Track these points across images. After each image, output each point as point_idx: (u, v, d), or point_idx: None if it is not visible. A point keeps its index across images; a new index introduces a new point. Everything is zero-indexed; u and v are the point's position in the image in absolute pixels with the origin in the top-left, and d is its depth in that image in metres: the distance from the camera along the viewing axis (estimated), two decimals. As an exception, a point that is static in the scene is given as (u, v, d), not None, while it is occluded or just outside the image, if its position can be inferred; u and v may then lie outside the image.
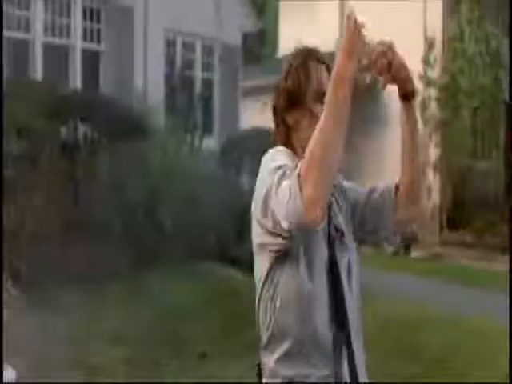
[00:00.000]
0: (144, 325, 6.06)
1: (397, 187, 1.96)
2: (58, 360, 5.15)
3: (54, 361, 5.14)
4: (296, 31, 15.58)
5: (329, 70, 1.91)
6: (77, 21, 9.12)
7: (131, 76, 9.58)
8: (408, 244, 11.67)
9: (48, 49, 8.86)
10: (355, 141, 13.92)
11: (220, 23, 11.04)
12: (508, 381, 4.71)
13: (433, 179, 12.81)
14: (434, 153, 12.93)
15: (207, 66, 11.20)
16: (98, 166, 7.38)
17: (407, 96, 1.85)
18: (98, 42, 9.49)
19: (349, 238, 1.91)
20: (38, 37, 8.74)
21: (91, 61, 9.37)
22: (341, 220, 1.90)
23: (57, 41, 9.01)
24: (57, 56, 9.00)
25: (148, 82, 9.81)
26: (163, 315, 6.25)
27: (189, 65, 10.87)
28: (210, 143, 10.27)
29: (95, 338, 5.88)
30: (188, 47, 10.85)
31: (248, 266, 7.13)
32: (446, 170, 12.65)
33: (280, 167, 1.70)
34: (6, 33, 8.31)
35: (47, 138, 6.78)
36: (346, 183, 2.02)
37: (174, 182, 7.79)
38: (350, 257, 1.88)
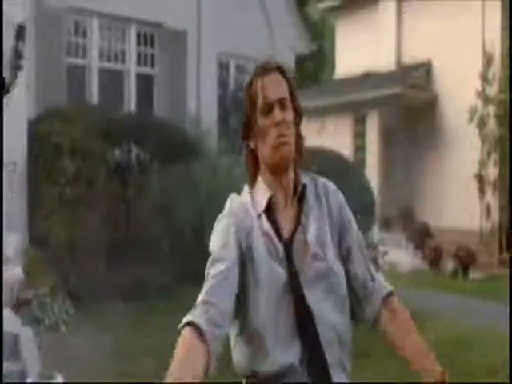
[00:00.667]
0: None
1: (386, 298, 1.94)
2: (106, 371, 5.26)
3: (102, 372, 5.25)
4: (354, 53, 15.62)
5: (283, 72, 1.90)
6: (131, 46, 9.40)
7: (184, 99, 9.78)
8: (466, 265, 11.38)
9: (103, 73, 9.15)
10: (412, 178, 13.80)
11: (273, 45, 11.17)
12: (508, 381, 4.53)
13: (491, 198, 12.49)
14: (492, 171, 12.62)
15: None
16: (149, 187, 7.54)
17: None
18: (152, 66, 9.74)
19: (326, 248, 1.88)
20: (94, 62, 9.04)
21: (145, 85, 9.62)
22: (312, 230, 1.88)
23: (112, 66, 9.30)
24: (112, 80, 9.28)
25: (201, 105, 9.98)
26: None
27: (242, 87, 10.99)
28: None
29: (142, 351, 5.99)
30: (241, 69, 11.01)
31: None
32: (506, 189, 12.29)
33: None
34: (64, 59, 8.65)
35: (101, 159, 6.98)
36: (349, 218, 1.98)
37: (224, 203, 7.85)
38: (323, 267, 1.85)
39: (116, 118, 8.22)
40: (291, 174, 1.90)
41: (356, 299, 1.92)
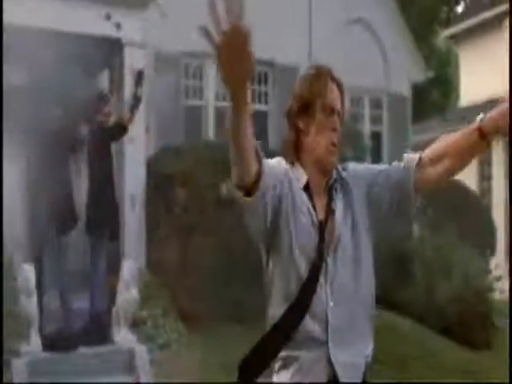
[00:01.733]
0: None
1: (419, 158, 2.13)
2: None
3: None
4: (476, 80, 15.29)
5: (338, 84, 2.15)
6: (245, 85, 9.93)
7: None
8: None
9: (219, 112, 9.74)
10: None
11: (388, 74, 11.29)
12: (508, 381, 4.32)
13: None
14: None
15: (375, 119, 11.43)
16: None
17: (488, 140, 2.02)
18: (266, 102, 10.22)
19: (358, 224, 2.12)
20: (211, 103, 9.68)
21: (260, 121, 10.10)
22: (340, 210, 2.12)
23: (227, 105, 9.85)
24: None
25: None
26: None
27: (356, 118, 11.18)
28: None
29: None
30: (355, 101, 11.19)
31: (411, 311, 7.25)
32: None
33: None
34: (183, 102, 9.35)
35: (210, 189, 7.46)
36: (357, 166, 2.22)
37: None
38: (346, 241, 2.09)
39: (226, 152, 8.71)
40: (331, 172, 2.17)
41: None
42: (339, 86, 2.16)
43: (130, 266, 6.54)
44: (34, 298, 5.98)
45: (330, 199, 2.13)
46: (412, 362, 6.59)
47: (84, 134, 6.63)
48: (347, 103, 10.78)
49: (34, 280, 5.91)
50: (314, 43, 10.40)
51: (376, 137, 11.46)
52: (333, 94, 2.13)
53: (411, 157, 2.16)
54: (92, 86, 8.02)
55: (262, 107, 10.19)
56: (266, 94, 10.23)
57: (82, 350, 6.22)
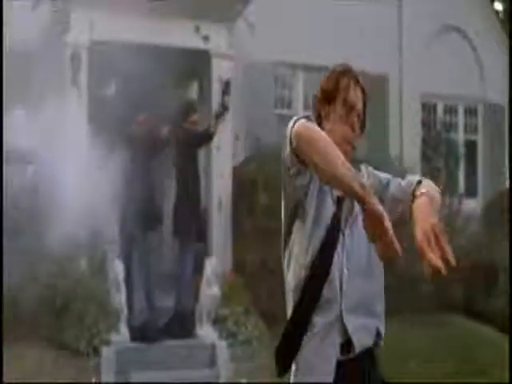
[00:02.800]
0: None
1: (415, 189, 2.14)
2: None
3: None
4: None
5: (363, 91, 2.30)
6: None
7: (386, 141, 10.14)
8: None
9: (308, 122, 9.93)
10: None
11: (484, 83, 11.07)
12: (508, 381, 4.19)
13: None
14: None
15: (470, 128, 11.22)
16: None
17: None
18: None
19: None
20: (299, 112, 9.90)
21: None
22: None
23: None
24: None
25: (404, 146, 10.26)
26: (396, 355, 6.51)
27: (449, 126, 11.02)
28: (472, 204, 10.20)
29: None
30: (448, 109, 11.03)
31: (495, 321, 7.14)
32: None
33: None
34: (275, 111, 9.62)
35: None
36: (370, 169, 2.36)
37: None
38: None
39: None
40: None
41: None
42: (363, 91, 2.29)
43: (213, 265, 6.85)
44: (123, 292, 6.41)
45: None
46: (492, 370, 6.47)
47: (165, 138, 7.03)
48: (439, 113, 10.75)
49: (122, 275, 6.34)
50: (404, 52, 10.40)
51: (471, 146, 11.23)
52: (355, 94, 2.26)
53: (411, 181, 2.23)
54: (181, 95, 8.46)
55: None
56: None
57: (167, 342, 6.58)
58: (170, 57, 7.13)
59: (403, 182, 2.24)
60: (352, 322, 2.16)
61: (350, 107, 2.24)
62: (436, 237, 1.82)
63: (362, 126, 2.30)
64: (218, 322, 6.82)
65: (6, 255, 5.73)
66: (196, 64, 7.79)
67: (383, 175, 2.34)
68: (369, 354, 2.21)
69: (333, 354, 2.15)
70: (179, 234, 6.94)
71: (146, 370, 6.23)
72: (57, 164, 6.02)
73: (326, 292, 2.16)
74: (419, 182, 2.16)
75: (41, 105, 6.31)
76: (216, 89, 7.55)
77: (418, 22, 10.34)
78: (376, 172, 2.36)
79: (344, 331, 2.16)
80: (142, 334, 6.55)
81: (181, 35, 7.16)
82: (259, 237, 7.32)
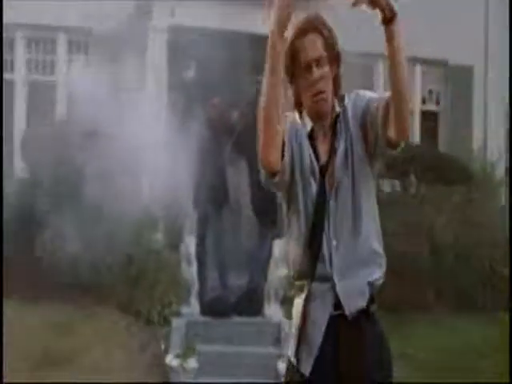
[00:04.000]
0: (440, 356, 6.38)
1: (387, 103, 2.12)
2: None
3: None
4: None
5: (318, 30, 2.23)
6: (416, 85, 9.99)
7: (470, 134, 9.93)
8: None
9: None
10: None
11: None
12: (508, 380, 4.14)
13: None
14: None
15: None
16: (417, 214, 7.92)
17: (388, 20, 2.02)
18: (437, 103, 10.16)
19: (355, 162, 2.23)
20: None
21: (430, 122, 10.06)
22: (341, 150, 2.25)
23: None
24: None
25: (487, 139, 10.01)
26: (458, 348, 6.44)
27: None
28: None
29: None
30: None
31: None
32: None
33: None
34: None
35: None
36: (359, 94, 2.28)
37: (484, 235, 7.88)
38: (345, 184, 2.23)
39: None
40: (330, 113, 2.26)
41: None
42: (317, 30, 2.22)
43: (281, 247, 6.98)
44: (194, 267, 6.66)
45: (334, 138, 2.26)
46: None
47: (234, 122, 7.19)
48: None
49: (194, 251, 6.59)
50: (490, 43, 10.13)
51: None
52: (305, 49, 2.21)
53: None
54: (256, 81, 8.61)
55: (432, 107, 10.16)
56: (437, 94, 10.17)
57: (236, 318, 6.76)
58: (247, 43, 7.31)
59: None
60: (343, 289, 2.19)
61: (306, 66, 2.20)
62: None
63: (331, 55, 2.23)
64: (285, 302, 6.93)
65: (90, 225, 6.12)
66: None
67: (372, 94, 2.28)
68: (364, 312, 2.21)
69: (326, 310, 2.19)
70: (259, 217, 7.01)
71: (213, 343, 6.44)
72: (137, 141, 6.33)
73: (319, 267, 2.20)
74: None
75: (123, 86, 6.67)
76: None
77: (505, 13, 10.04)
78: (367, 93, 2.29)
79: (336, 296, 2.19)
80: (212, 308, 6.75)
81: (259, 22, 7.30)
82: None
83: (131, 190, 6.18)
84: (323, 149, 2.27)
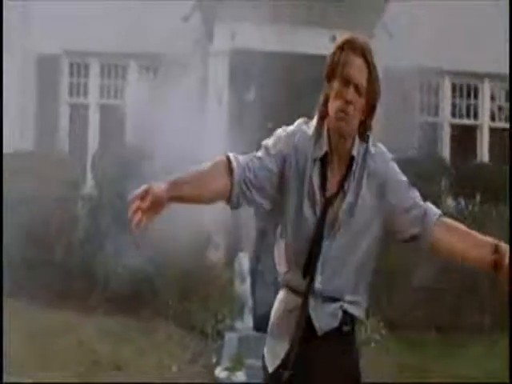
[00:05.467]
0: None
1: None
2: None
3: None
4: None
5: (368, 65, 2.16)
6: (485, 102, 9.83)
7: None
8: None
9: (456, 129, 9.80)
10: None
11: None
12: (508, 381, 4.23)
13: None
14: None
15: None
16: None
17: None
18: (506, 120, 9.93)
19: (365, 210, 2.17)
20: (446, 119, 9.78)
21: (499, 139, 9.85)
22: (352, 190, 2.17)
23: (465, 121, 9.89)
24: (464, 134, 9.86)
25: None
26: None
27: None
28: None
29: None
30: None
31: None
32: None
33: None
34: (417, 117, 9.58)
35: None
36: (386, 155, 2.24)
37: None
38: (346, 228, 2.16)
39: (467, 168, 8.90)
40: (347, 145, 2.19)
41: (411, 225, 2.19)
42: (367, 61, 2.15)
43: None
44: (248, 283, 6.87)
45: (347, 173, 2.18)
46: None
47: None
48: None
49: (247, 267, 6.81)
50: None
51: None
52: (352, 66, 2.13)
53: (431, 208, 2.23)
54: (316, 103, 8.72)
55: (501, 125, 9.94)
56: (507, 110, 9.95)
57: (288, 335, 6.89)
58: (306, 64, 7.47)
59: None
60: (316, 312, 2.21)
61: (345, 81, 2.12)
62: None
63: (370, 94, 2.16)
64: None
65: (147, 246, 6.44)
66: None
67: (403, 178, 2.25)
68: (340, 335, 2.21)
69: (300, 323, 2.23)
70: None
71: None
72: (198, 162, 6.59)
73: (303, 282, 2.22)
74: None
75: (187, 107, 6.97)
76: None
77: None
78: (396, 169, 2.25)
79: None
80: (265, 324, 6.91)
81: (317, 43, 7.46)
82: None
83: (189, 208, 6.43)
84: (333, 180, 2.19)
